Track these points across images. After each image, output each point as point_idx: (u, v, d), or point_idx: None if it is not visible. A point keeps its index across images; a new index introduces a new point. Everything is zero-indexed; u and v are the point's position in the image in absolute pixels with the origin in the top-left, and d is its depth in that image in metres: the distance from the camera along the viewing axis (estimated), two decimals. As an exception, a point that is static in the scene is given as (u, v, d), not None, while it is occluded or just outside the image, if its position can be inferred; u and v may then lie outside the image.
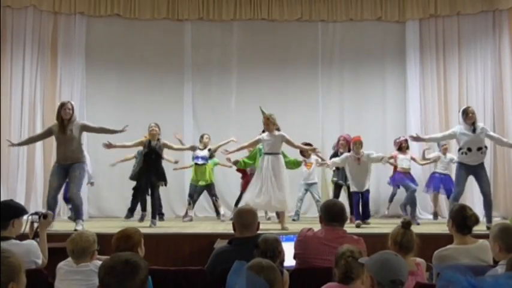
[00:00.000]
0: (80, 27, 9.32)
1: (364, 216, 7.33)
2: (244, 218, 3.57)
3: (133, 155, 8.25)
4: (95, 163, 8.45)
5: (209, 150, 8.40)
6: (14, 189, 8.49)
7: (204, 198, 8.92)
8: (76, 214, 6.47)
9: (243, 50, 9.86)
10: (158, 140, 7.12)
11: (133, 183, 7.48)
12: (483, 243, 3.54)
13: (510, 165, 8.85)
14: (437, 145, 8.61)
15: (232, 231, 3.64)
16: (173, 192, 8.82)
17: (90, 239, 3.28)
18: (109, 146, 6.90)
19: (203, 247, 5.33)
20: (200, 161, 8.24)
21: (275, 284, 2.32)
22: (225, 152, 7.52)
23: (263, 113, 6.97)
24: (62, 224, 6.95)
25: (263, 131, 7.04)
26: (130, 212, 7.65)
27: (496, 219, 8.10)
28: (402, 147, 8.09)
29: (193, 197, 8.32)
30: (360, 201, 7.37)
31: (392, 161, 7.98)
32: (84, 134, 6.66)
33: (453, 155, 8.05)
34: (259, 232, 3.59)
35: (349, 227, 5.66)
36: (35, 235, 3.82)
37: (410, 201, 7.82)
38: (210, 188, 8.41)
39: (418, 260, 3.32)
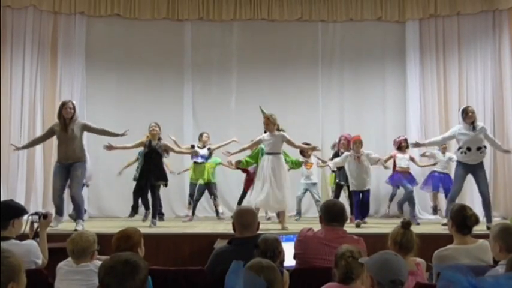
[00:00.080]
0: (80, 27, 9.32)
1: (362, 214, 7.33)
2: (244, 218, 3.57)
3: (135, 158, 8.27)
4: (95, 163, 8.44)
5: (209, 149, 8.39)
6: (14, 189, 8.49)
7: (204, 198, 8.92)
8: (77, 214, 6.49)
9: (243, 50, 9.86)
10: (159, 139, 7.12)
11: (134, 183, 7.51)
12: (483, 243, 3.54)
13: (510, 165, 8.85)
14: None
15: (232, 231, 3.64)
16: (173, 192, 8.81)
17: (90, 239, 3.28)
18: (109, 147, 6.94)
19: (203, 247, 5.34)
20: (200, 160, 8.24)
21: (275, 284, 2.32)
22: (226, 154, 7.55)
23: (263, 113, 6.97)
24: (62, 223, 6.93)
25: (265, 132, 7.05)
26: (134, 210, 7.63)
27: (496, 219, 8.10)
28: (402, 146, 8.10)
29: (193, 197, 8.31)
30: (360, 200, 7.38)
31: (387, 164, 7.96)
32: (85, 134, 6.66)
33: (452, 153, 8.05)
34: (259, 232, 3.59)
35: (349, 227, 5.66)
36: (35, 235, 3.82)
37: (409, 201, 7.84)
38: (210, 187, 8.42)
39: (418, 260, 3.32)
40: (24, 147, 7.09)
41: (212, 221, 8.12)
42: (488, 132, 6.95)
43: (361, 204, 7.44)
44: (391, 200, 8.92)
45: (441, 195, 8.66)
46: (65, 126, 6.30)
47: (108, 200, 9.21)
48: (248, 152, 7.64)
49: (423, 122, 9.48)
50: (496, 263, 3.31)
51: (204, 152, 8.32)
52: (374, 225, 7.21)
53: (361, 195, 7.45)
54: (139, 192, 7.36)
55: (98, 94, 9.47)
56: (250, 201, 6.73)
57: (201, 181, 8.34)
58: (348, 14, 9.71)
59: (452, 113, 9.05)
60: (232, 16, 9.64)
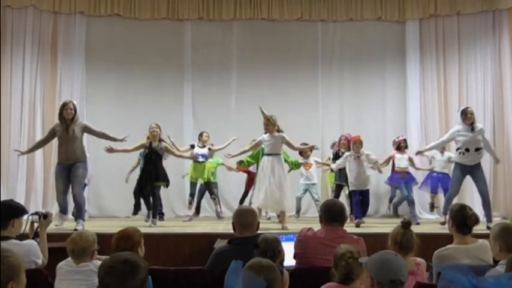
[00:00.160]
0: (80, 27, 9.32)
1: (362, 213, 7.33)
2: (244, 217, 3.57)
3: (137, 161, 8.28)
4: (95, 163, 8.43)
5: (209, 149, 8.40)
6: (14, 189, 8.49)
7: (204, 198, 8.91)
8: (77, 213, 6.52)
9: (243, 50, 9.86)
10: (159, 141, 7.13)
11: (134, 183, 7.52)
12: (483, 243, 3.54)
13: (510, 165, 8.85)
14: None
15: (232, 231, 3.63)
16: (173, 192, 8.80)
17: (90, 238, 3.28)
18: (110, 150, 6.97)
19: (203, 247, 5.34)
20: (200, 159, 8.25)
21: (275, 283, 2.32)
22: (228, 156, 7.57)
23: (263, 114, 6.98)
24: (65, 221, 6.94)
25: (265, 133, 7.08)
26: (136, 208, 7.69)
27: (496, 219, 8.10)
28: (401, 146, 8.10)
29: (194, 196, 8.31)
30: (360, 200, 7.38)
31: (383, 168, 7.96)
32: (85, 134, 6.70)
33: (451, 153, 8.04)
34: (259, 232, 3.60)
35: (349, 227, 5.66)
36: (35, 235, 3.82)
37: (408, 202, 7.87)
38: (210, 186, 8.42)
39: (418, 259, 3.31)
40: (28, 152, 7.10)
41: (212, 221, 8.12)
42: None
43: (361, 204, 7.44)
44: (390, 201, 8.93)
45: (440, 196, 8.63)
46: (66, 127, 6.34)
47: (108, 200, 9.21)
48: (249, 152, 7.66)
49: (423, 122, 9.48)
50: (496, 262, 3.31)
51: (204, 151, 8.33)
52: (374, 225, 7.21)
53: (361, 195, 7.44)
54: (139, 193, 7.39)
55: (98, 94, 9.46)
56: (253, 203, 6.75)
57: (201, 181, 8.34)
58: (348, 14, 9.71)
59: (452, 113, 9.05)
60: (232, 16, 9.64)
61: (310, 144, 7.98)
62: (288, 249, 3.52)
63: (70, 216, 6.88)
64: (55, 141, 6.70)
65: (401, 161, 8.01)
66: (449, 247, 3.57)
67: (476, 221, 3.59)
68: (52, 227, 4.65)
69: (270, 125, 6.85)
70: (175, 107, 9.66)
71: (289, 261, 3.56)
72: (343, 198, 7.87)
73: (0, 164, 7.81)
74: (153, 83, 9.60)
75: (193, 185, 8.32)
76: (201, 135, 8.52)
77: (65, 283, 3.20)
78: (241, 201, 8.25)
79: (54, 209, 8.27)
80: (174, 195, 9.10)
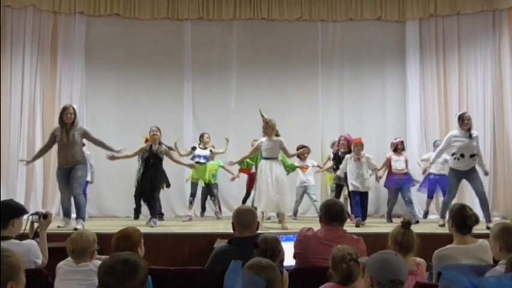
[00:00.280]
0: (79, 27, 9.32)
1: (362, 216, 7.34)
2: (244, 217, 3.56)
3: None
4: (95, 163, 8.44)
5: (210, 150, 8.42)
6: (14, 189, 8.49)
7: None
8: (78, 213, 6.54)
9: (242, 50, 9.85)
10: (159, 144, 7.15)
11: (134, 183, 7.57)
12: (483, 243, 3.54)
13: (510, 165, 8.85)
14: (432, 145, 8.62)
15: (232, 231, 3.63)
16: (173, 192, 8.79)
17: (90, 238, 3.28)
18: (112, 158, 7.01)
19: (203, 247, 5.34)
20: (202, 160, 8.27)
21: (275, 283, 2.32)
22: (230, 164, 7.67)
23: (263, 117, 7.03)
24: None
25: (264, 133, 7.12)
26: (137, 212, 7.97)
27: (496, 219, 8.11)
28: (398, 148, 8.10)
29: (194, 196, 8.33)
30: (359, 201, 7.39)
31: (380, 173, 7.97)
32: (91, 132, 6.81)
33: (447, 155, 8.03)
34: (258, 232, 3.59)
35: (349, 227, 5.66)
36: (35, 235, 3.82)
37: (406, 202, 7.93)
38: (210, 187, 8.45)
39: (418, 259, 3.31)
40: (33, 160, 7.10)
41: (212, 221, 8.12)
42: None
43: (361, 207, 7.45)
44: (388, 203, 8.91)
45: (439, 196, 8.64)
46: (66, 132, 6.41)
47: (108, 200, 9.20)
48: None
49: (423, 122, 9.48)
50: (495, 262, 3.31)
51: (205, 152, 8.36)
52: (374, 225, 7.21)
53: (360, 195, 7.45)
54: (140, 197, 7.53)
55: (97, 94, 9.46)
56: (257, 211, 6.79)
57: (201, 182, 8.35)
58: (347, 14, 9.71)
59: (452, 113, 9.05)
60: (232, 16, 9.64)
61: (307, 145, 8.35)
62: (288, 249, 3.52)
63: (74, 216, 6.90)
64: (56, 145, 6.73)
65: (398, 162, 8.01)
66: (449, 247, 3.57)
67: (476, 221, 3.59)
68: (53, 227, 4.65)
69: (268, 128, 6.89)
70: (175, 107, 9.66)
71: (289, 261, 3.55)
72: (342, 199, 7.89)
73: (0, 164, 7.82)
74: (153, 83, 9.60)
75: (194, 185, 8.33)
76: (202, 136, 8.52)
77: (65, 283, 3.20)
78: (243, 202, 8.27)
79: (54, 209, 8.33)
80: (174, 196, 9.10)
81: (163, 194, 8.04)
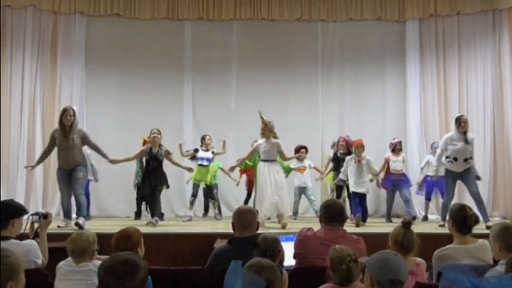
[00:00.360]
0: (79, 27, 9.32)
1: (362, 218, 7.35)
2: (244, 217, 3.56)
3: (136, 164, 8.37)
4: (95, 163, 8.44)
5: (213, 152, 8.45)
6: (14, 189, 8.49)
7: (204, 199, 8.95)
8: (78, 212, 6.60)
9: (242, 50, 9.85)
10: (159, 146, 7.16)
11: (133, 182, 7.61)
12: (483, 243, 3.53)
13: (510, 165, 8.85)
14: (430, 147, 8.62)
15: (232, 231, 3.63)
16: (173, 192, 8.80)
17: (90, 238, 3.28)
18: (113, 162, 7.05)
19: (203, 247, 5.34)
20: (205, 163, 8.31)
21: (275, 283, 2.31)
22: (230, 170, 7.72)
23: (262, 118, 7.05)
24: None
25: (262, 134, 7.17)
26: (138, 215, 8.08)
27: (496, 219, 8.13)
28: (396, 149, 8.14)
29: (196, 197, 8.34)
30: (359, 202, 7.41)
31: (377, 177, 7.97)
32: (89, 133, 6.87)
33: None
34: (258, 232, 3.59)
35: (349, 227, 5.66)
36: (35, 235, 3.81)
37: (404, 201, 8.00)
38: (211, 189, 8.47)
39: (418, 260, 3.31)
40: (37, 164, 7.11)
41: (212, 221, 8.13)
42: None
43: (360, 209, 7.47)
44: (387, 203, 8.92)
45: (437, 198, 8.63)
46: (65, 134, 6.45)
47: (108, 200, 9.20)
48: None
49: (423, 122, 9.47)
50: (495, 262, 3.31)
51: (208, 155, 8.39)
52: (374, 225, 7.21)
53: (360, 196, 7.46)
54: (142, 200, 7.70)
55: (97, 94, 9.46)
56: (259, 209, 6.82)
57: (203, 183, 8.36)
58: (347, 14, 9.70)
59: (452, 113, 9.00)
60: (232, 16, 9.64)
61: (307, 147, 8.53)
62: (288, 249, 3.52)
63: (74, 215, 6.93)
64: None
65: (397, 163, 8.07)
66: (449, 247, 3.57)
67: (476, 221, 3.59)
68: (53, 227, 4.65)
69: (267, 130, 6.92)
70: (175, 107, 9.66)
71: (289, 261, 3.55)
72: (341, 200, 7.89)
73: (0, 164, 7.82)
74: (153, 83, 9.59)
75: (195, 186, 8.34)
76: (203, 138, 8.53)
77: (65, 283, 3.20)
78: (245, 204, 8.27)
79: (54, 209, 8.34)
80: (174, 196, 9.10)
81: (163, 194, 8.02)
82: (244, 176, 8.66)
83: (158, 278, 3.10)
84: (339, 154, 8.04)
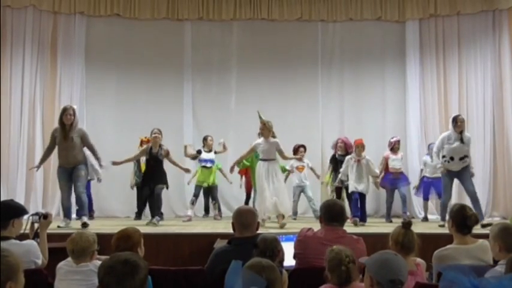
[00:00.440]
0: (79, 27, 9.31)
1: (361, 218, 7.36)
2: (244, 217, 3.56)
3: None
4: (95, 163, 8.44)
5: (215, 152, 8.46)
6: (14, 189, 8.49)
7: (204, 199, 8.95)
8: (81, 210, 6.66)
9: (242, 50, 9.84)
10: (160, 146, 7.17)
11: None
12: (483, 243, 3.54)
13: (510, 165, 8.84)
14: (427, 148, 8.62)
15: (232, 231, 3.63)
16: (173, 192, 8.80)
17: (90, 239, 3.28)
18: (115, 163, 7.18)
19: (203, 247, 5.33)
20: (209, 164, 8.34)
21: (276, 283, 2.31)
22: (230, 170, 7.66)
23: (260, 118, 7.09)
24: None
25: (259, 134, 7.27)
26: (138, 215, 8.12)
27: (496, 219, 8.14)
28: (394, 147, 8.22)
29: (197, 197, 8.35)
30: (358, 201, 7.41)
31: (378, 181, 7.97)
32: (88, 133, 6.89)
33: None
34: (258, 232, 3.59)
35: (349, 227, 5.66)
36: (35, 235, 3.81)
37: (402, 201, 8.12)
38: (213, 190, 8.47)
39: (418, 260, 3.31)
40: (41, 163, 7.11)
41: (212, 221, 8.13)
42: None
43: (360, 208, 7.47)
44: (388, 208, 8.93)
45: (435, 199, 8.64)
46: (65, 133, 6.47)
47: (108, 200, 9.19)
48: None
49: (423, 122, 9.47)
50: (495, 263, 3.31)
51: (211, 156, 8.41)
52: (374, 225, 7.21)
53: (359, 196, 7.46)
54: (142, 200, 7.79)
55: (97, 94, 9.46)
56: (258, 212, 6.84)
57: (205, 184, 8.37)
58: (347, 14, 9.70)
59: (452, 113, 9.00)
60: (232, 16, 9.63)
61: (306, 146, 8.59)
62: (288, 249, 3.52)
63: (74, 216, 6.95)
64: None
65: (395, 161, 8.19)
66: (449, 247, 3.57)
67: (476, 221, 3.59)
68: (53, 227, 4.65)
69: (265, 129, 6.97)
70: (175, 107, 9.65)
71: (289, 261, 3.55)
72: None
73: (0, 164, 7.82)
74: (153, 83, 9.59)
75: (198, 187, 8.35)
76: (205, 139, 8.54)
77: (65, 283, 3.20)
78: (246, 204, 8.28)
79: (54, 209, 8.34)
80: (174, 196, 9.09)
81: (164, 195, 8.04)
82: (244, 177, 8.65)
83: (158, 278, 3.10)
84: (337, 155, 8.05)
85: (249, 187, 8.34)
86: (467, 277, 1.89)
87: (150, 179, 7.22)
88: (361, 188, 7.45)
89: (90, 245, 3.25)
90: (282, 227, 6.62)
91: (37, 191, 8.75)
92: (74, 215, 6.90)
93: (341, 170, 7.68)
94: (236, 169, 8.09)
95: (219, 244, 4.68)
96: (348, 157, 7.63)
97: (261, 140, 7.07)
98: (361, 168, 7.47)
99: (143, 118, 8.87)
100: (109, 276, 1.96)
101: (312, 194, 8.58)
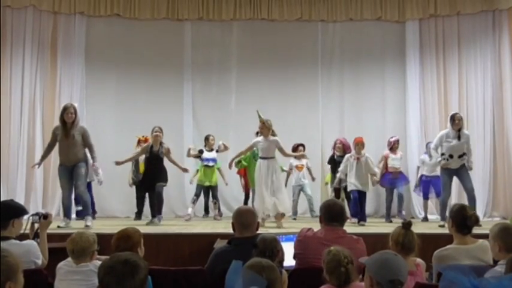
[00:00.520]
0: (79, 27, 9.31)
1: (361, 217, 7.35)
2: (244, 217, 3.56)
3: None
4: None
5: (217, 151, 8.47)
6: (14, 189, 8.49)
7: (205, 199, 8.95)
8: (85, 210, 6.70)
9: (242, 50, 9.84)
10: (161, 144, 7.20)
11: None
12: (483, 243, 3.54)
13: (510, 165, 8.84)
14: (425, 146, 8.64)
15: (232, 231, 3.63)
16: (173, 192, 8.81)
17: (90, 239, 3.28)
18: (118, 163, 7.29)
19: (203, 247, 5.33)
20: (211, 163, 8.36)
21: (276, 283, 2.32)
22: (229, 166, 7.69)
23: (260, 117, 7.12)
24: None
25: (257, 133, 7.30)
26: (138, 215, 8.12)
27: (496, 219, 8.14)
28: (394, 147, 8.25)
29: (199, 196, 8.36)
30: (357, 201, 7.41)
31: (376, 179, 7.97)
32: (90, 133, 6.87)
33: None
34: (258, 232, 3.59)
35: (349, 227, 5.65)
36: (35, 235, 3.81)
37: (398, 200, 8.22)
38: (214, 189, 8.47)
39: (418, 260, 3.31)
40: (42, 160, 7.11)
41: (212, 221, 8.13)
42: (470, 142, 7.14)
43: (359, 207, 7.46)
44: (388, 208, 8.93)
45: (433, 198, 8.64)
46: (67, 131, 6.49)
47: (108, 200, 9.18)
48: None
49: (423, 122, 9.47)
50: (495, 263, 3.31)
51: (213, 155, 8.42)
52: (374, 225, 7.21)
53: (358, 195, 7.46)
54: (143, 199, 7.87)
55: (97, 94, 9.46)
56: (257, 211, 6.85)
57: (207, 183, 8.38)
58: (347, 14, 9.70)
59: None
60: (232, 16, 9.63)
61: (305, 145, 8.58)
62: (288, 249, 3.52)
63: (74, 216, 6.97)
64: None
65: (395, 161, 8.25)
66: (449, 247, 3.57)
67: (477, 221, 3.59)
68: (53, 227, 4.65)
69: (265, 128, 6.98)
70: (175, 107, 9.65)
71: (289, 261, 3.55)
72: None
73: (0, 164, 7.82)
74: (153, 83, 9.59)
75: (199, 187, 8.37)
76: (207, 139, 8.55)
77: (65, 283, 3.20)
78: (245, 205, 8.29)
79: (54, 209, 8.34)
80: (174, 196, 9.09)
81: (163, 195, 8.05)
82: (243, 177, 8.67)
83: (158, 278, 3.10)
84: (335, 157, 8.05)
85: (248, 188, 8.37)
86: (467, 277, 1.89)
87: (151, 177, 7.26)
88: (361, 187, 7.45)
89: (90, 245, 3.25)
90: (279, 227, 6.63)
91: (37, 191, 8.75)
92: (73, 215, 6.91)
93: (339, 168, 7.68)
94: (236, 169, 8.11)
95: (219, 244, 4.68)
96: (347, 155, 7.62)
97: (260, 138, 7.09)
98: (360, 166, 7.46)
99: (143, 118, 8.87)
100: (109, 276, 1.96)
101: (312, 193, 8.59)
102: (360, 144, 7.56)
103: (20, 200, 7.83)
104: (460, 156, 6.95)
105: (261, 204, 6.79)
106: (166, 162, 7.43)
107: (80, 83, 9.29)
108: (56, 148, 6.78)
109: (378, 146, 9.02)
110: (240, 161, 8.02)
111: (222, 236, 5.34)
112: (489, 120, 9.07)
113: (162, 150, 7.21)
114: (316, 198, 8.78)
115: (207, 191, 8.60)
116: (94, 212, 8.23)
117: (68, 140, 6.49)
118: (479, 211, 8.01)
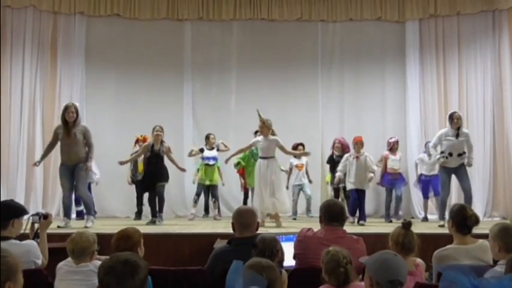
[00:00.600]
0: (79, 27, 9.31)
1: (361, 217, 7.35)
2: (244, 217, 3.57)
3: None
4: (95, 163, 8.44)
5: (217, 150, 8.47)
6: (14, 189, 8.49)
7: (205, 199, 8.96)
8: (86, 211, 6.74)
9: (242, 50, 9.85)
10: (161, 143, 7.22)
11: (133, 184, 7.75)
12: (483, 243, 3.53)
13: (510, 165, 8.84)
14: (424, 146, 8.64)
15: (232, 231, 3.63)
16: (173, 192, 8.81)
17: (90, 239, 3.28)
18: (122, 163, 7.40)
19: (203, 247, 5.33)
20: (211, 162, 8.36)
21: (276, 283, 2.32)
22: (225, 161, 7.68)
23: (260, 116, 7.12)
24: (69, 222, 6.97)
25: (256, 132, 7.33)
26: (138, 215, 8.16)
27: (496, 219, 8.14)
28: (393, 148, 8.26)
29: (200, 196, 8.36)
30: (357, 200, 7.41)
31: (372, 176, 7.97)
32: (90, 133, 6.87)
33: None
34: (258, 232, 3.59)
35: (349, 227, 5.65)
36: (35, 235, 3.81)
37: (396, 201, 8.24)
38: (214, 188, 8.47)
39: (418, 260, 3.31)
40: (42, 159, 7.13)
41: (212, 221, 8.13)
42: (471, 140, 7.16)
43: (358, 206, 7.46)
44: (387, 208, 8.94)
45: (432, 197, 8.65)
46: (68, 130, 6.52)
47: (108, 200, 9.19)
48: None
49: (423, 122, 9.47)
50: (495, 263, 3.31)
51: (213, 153, 8.42)
52: (374, 225, 7.21)
53: (357, 194, 7.46)
54: (141, 197, 7.92)
55: (97, 94, 9.46)
56: (256, 210, 6.86)
57: (207, 182, 8.39)
58: (347, 14, 9.70)
59: (451, 113, 9.04)
60: (232, 16, 9.63)
61: (304, 144, 8.53)
62: (288, 249, 3.52)
63: (74, 216, 6.98)
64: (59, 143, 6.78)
65: (394, 162, 8.28)
66: (449, 247, 3.56)
67: (477, 221, 3.58)
68: (53, 227, 4.65)
69: (265, 128, 6.99)
70: (175, 107, 9.66)
71: (289, 261, 3.55)
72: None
73: (0, 164, 7.82)
74: (152, 83, 9.59)
75: (200, 186, 8.38)
76: (207, 137, 8.56)
77: (65, 283, 3.20)
78: (244, 204, 8.30)
79: (54, 209, 8.34)
80: (174, 196, 9.08)
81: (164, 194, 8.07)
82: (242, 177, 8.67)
83: (158, 278, 3.10)
84: (334, 156, 8.05)
85: (246, 188, 8.39)
86: (467, 277, 1.89)
87: (152, 176, 7.30)
88: (361, 186, 7.44)
89: (90, 245, 3.25)
90: (278, 226, 6.65)
91: (37, 191, 8.75)
92: (73, 215, 6.91)
93: (338, 168, 7.67)
94: (235, 169, 8.11)
95: (219, 244, 4.68)
96: (346, 155, 7.62)
97: (260, 137, 7.10)
98: (360, 165, 7.46)
99: (143, 118, 8.87)
100: (109, 276, 1.96)
101: (311, 193, 8.59)
102: (359, 143, 7.57)
103: (20, 200, 7.82)
104: (459, 155, 6.95)
105: (260, 204, 6.80)
106: (166, 162, 7.44)
107: (80, 83, 9.29)
108: (57, 148, 6.80)
109: (377, 146, 9.02)
110: (238, 162, 8.06)
111: (222, 236, 5.34)
112: (489, 120, 9.07)
113: (163, 149, 7.27)
114: (316, 198, 8.78)
115: (208, 189, 8.61)
116: (94, 212, 8.24)
117: (70, 139, 6.52)
118: (479, 211, 8.02)
